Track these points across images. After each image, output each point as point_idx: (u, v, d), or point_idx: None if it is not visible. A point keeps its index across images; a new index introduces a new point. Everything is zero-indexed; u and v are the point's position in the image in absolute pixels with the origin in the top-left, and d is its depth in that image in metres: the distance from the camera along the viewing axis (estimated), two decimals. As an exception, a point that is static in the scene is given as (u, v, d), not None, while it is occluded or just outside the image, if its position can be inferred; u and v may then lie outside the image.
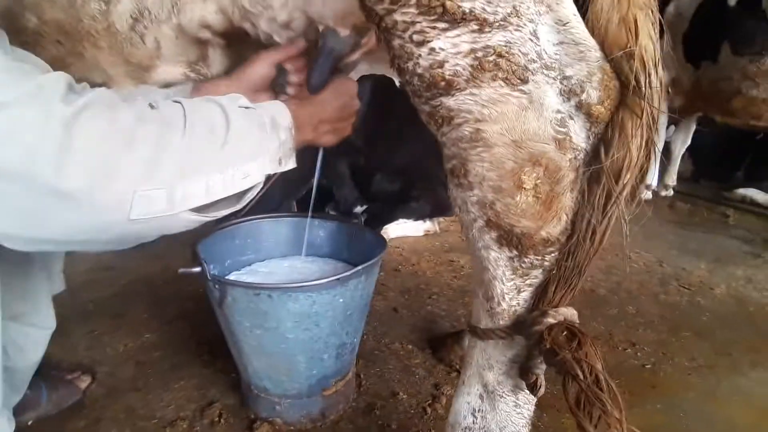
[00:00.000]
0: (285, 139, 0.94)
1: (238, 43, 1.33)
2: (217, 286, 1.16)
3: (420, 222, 2.87)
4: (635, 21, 0.82)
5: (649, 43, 0.82)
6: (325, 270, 1.49)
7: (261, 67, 1.12)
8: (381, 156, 2.57)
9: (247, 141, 0.84)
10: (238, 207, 0.84)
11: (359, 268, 1.21)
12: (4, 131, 0.63)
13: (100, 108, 0.69)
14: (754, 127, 3.04)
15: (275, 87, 1.15)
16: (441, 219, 2.97)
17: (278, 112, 0.95)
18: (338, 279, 1.16)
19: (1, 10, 1.23)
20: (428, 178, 2.81)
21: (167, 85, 1.41)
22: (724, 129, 3.49)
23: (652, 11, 0.84)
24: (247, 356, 1.28)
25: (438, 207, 2.91)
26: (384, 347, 1.78)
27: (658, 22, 0.84)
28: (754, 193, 3.68)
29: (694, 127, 3.50)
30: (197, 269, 1.16)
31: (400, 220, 2.79)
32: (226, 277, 1.26)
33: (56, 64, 1.26)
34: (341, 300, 1.21)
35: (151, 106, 0.75)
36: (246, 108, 0.89)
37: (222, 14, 1.20)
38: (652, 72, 0.82)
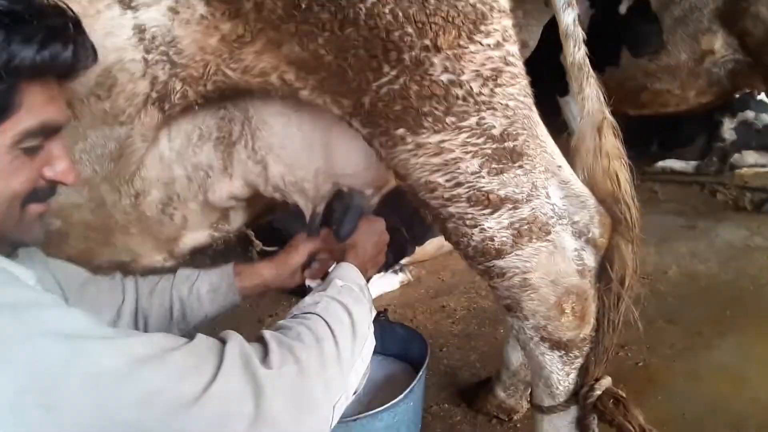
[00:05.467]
0: (368, 296, 1.17)
1: (258, 201, 1.57)
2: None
3: (392, 274, 3.11)
4: (616, 173, 1.20)
5: (627, 186, 1.21)
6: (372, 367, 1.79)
7: (301, 256, 1.39)
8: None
9: (363, 320, 1.07)
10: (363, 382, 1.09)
11: (422, 371, 1.53)
12: (223, 408, 0.77)
13: (284, 354, 0.88)
14: (664, 114, 3.58)
15: (305, 267, 1.41)
16: (411, 267, 3.24)
17: (356, 275, 1.17)
18: (411, 389, 1.47)
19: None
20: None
21: (194, 250, 1.61)
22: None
23: (622, 159, 1.23)
24: (339, 468, 1.56)
25: (399, 251, 3.10)
26: (424, 412, 2.09)
27: (628, 165, 1.23)
28: (672, 163, 4.34)
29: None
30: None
31: (374, 278, 2.90)
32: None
33: (83, 257, 1.42)
34: (412, 403, 1.53)
35: (308, 329, 0.95)
36: (342, 287, 1.10)
37: (249, 187, 1.39)
38: (632, 207, 1.21)
